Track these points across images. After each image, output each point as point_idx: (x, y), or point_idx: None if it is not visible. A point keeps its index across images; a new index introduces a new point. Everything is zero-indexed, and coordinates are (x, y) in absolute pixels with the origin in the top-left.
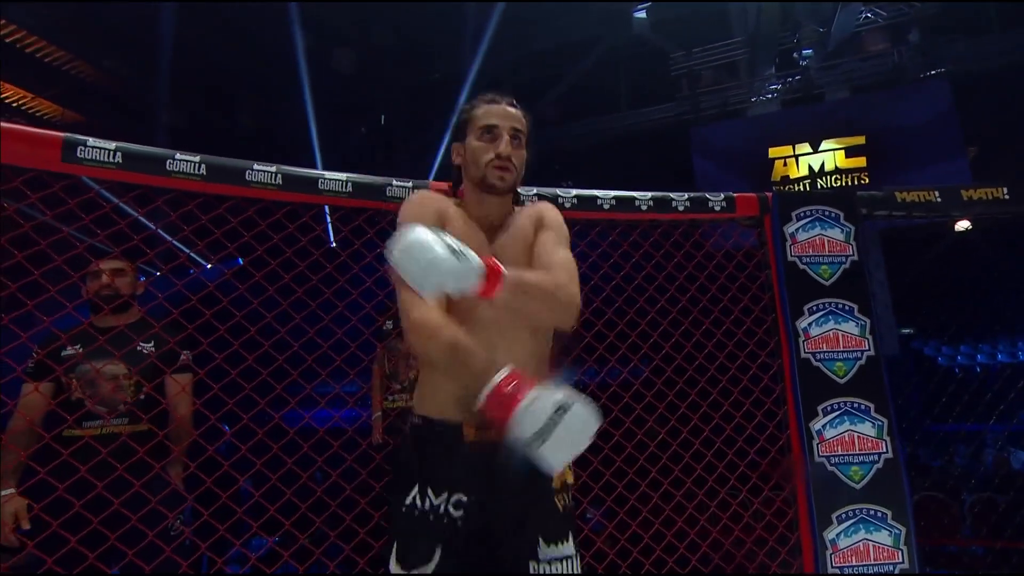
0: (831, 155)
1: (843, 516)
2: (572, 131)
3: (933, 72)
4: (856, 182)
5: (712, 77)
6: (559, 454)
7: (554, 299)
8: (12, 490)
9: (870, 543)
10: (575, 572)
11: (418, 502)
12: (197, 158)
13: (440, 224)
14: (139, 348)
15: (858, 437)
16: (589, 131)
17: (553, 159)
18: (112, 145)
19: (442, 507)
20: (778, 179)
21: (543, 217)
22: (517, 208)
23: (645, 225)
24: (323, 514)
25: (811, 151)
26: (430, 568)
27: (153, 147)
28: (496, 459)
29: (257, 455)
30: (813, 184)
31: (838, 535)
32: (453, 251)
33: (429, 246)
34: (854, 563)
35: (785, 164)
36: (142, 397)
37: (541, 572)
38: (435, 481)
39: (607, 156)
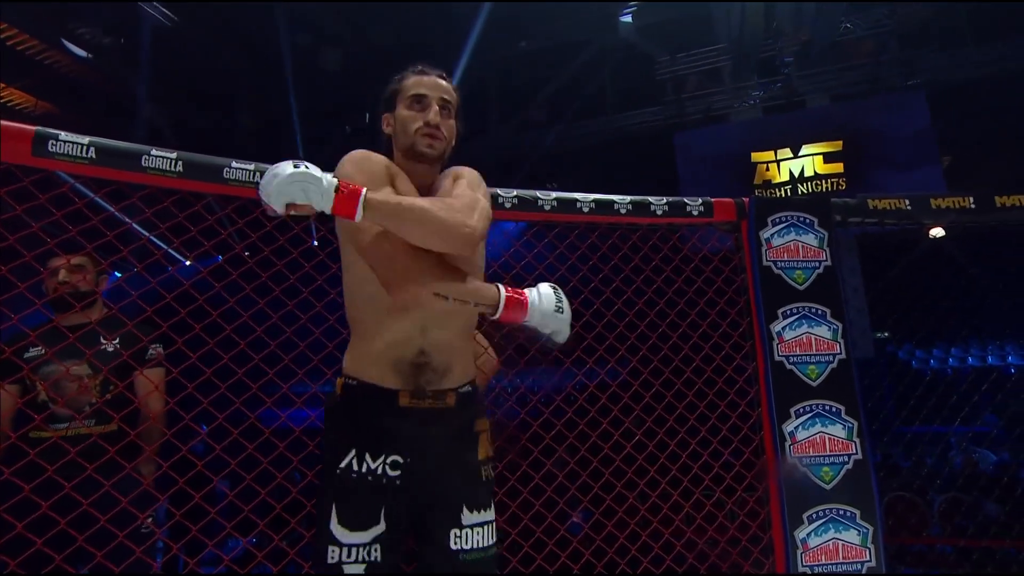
0: (810, 160)
1: (814, 516)
2: (558, 134)
3: (910, 82)
4: (834, 188)
5: (697, 82)
6: (564, 328)
7: (438, 222)
8: None
9: (839, 542)
10: (492, 536)
11: (355, 465)
12: (174, 155)
13: (391, 179)
14: (102, 346)
15: (829, 439)
16: (575, 134)
17: (539, 161)
18: (85, 140)
19: (379, 469)
20: (760, 183)
21: (459, 172)
22: (445, 175)
23: (624, 228)
24: (299, 515)
25: (792, 156)
26: (379, 529)
27: (129, 142)
28: (431, 425)
29: (233, 455)
30: (794, 189)
31: (809, 534)
32: (303, 169)
33: (283, 167)
34: (824, 562)
35: (768, 169)
36: (109, 397)
37: (462, 538)
38: (371, 445)
39: (593, 159)
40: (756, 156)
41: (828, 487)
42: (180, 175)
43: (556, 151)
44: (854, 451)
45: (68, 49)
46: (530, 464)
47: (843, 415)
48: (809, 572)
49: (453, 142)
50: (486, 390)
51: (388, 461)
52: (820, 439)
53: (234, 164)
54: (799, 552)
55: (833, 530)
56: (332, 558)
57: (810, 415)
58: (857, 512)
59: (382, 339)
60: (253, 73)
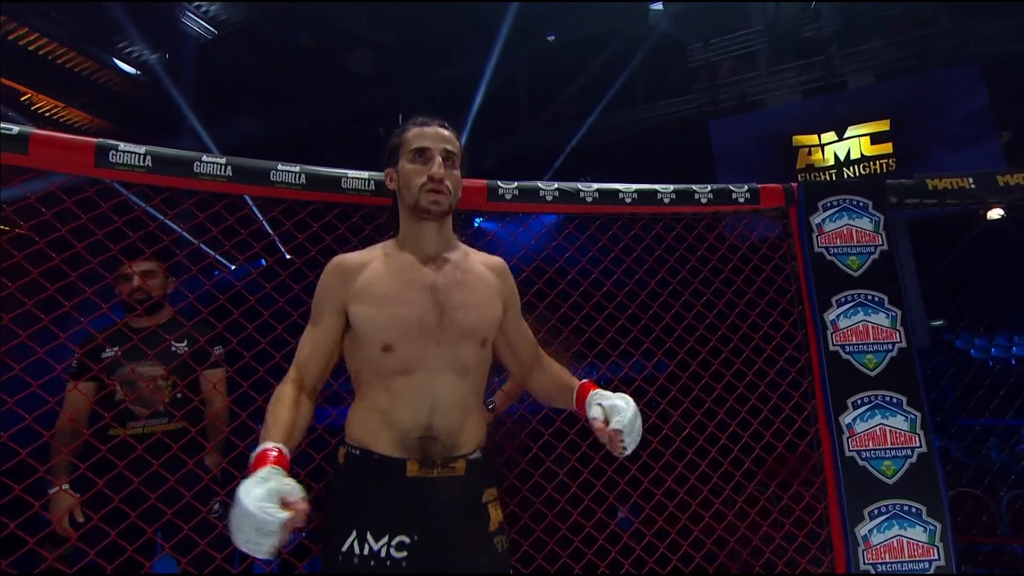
0: (856, 142)
1: (875, 512)
2: (590, 127)
3: (963, 55)
4: (883, 169)
5: (731, 68)
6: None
7: None
8: (62, 487)
9: (904, 539)
10: None
11: (356, 548)
12: (223, 160)
13: (343, 305)
14: (172, 348)
15: (890, 431)
16: (607, 126)
17: (571, 155)
18: (142, 149)
19: (383, 551)
20: (803, 167)
21: (510, 283)
22: (461, 243)
23: (668, 218)
24: None
25: (837, 139)
26: None
27: (180, 150)
28: (440, 497)
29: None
30: (840, 173)
31: (871, 531)
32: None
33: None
34: (888, 560)
35: (810, 153)
36: (179, 396)
37: None
38: (375, 523)
39: (625, 151)
40: (798, 140)
41: (891, 482)
42: (229, 179)
43: (588, 144)
44: (918, 444)
45: (118, 67)
46: (579, 459)
47: (905, 406)
48: (872, 571)
49: (459, 195)
50: (506, 412)
51: (393, 543)
52: (880, 431)
53: (280, 167)
54: (860, 549)
55: (897, 527)
56: None
57: (869, 406)
58: (923, 508)
59: (386, 413)
60: (287, 78)
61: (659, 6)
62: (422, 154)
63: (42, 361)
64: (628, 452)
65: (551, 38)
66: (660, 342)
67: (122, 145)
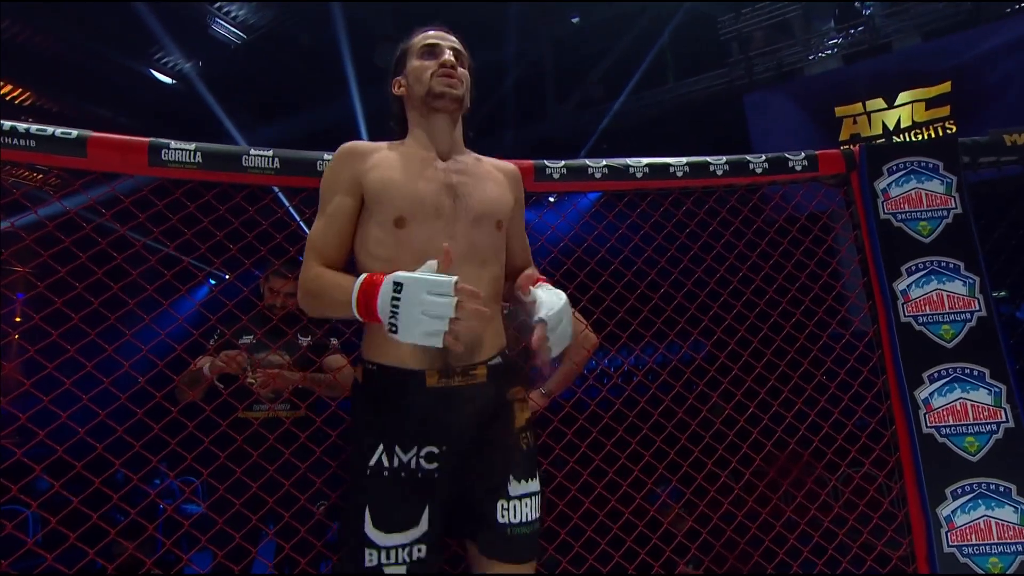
0: (908, 108)
1: (959, 491)
2: (619, 108)
3: (1020, 6)
4: (939, 134)
5: (764, 38)
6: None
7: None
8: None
9: (992, 520)
10: (537, 510)
11: (384, 461)
12: (270, 152)
13: (357, 180)
14: (297, 341)
15: (972, 405)
16: (637, 107)
17: (601, 138)
18: (192, 146)
19: (413, 462)
20: (848, 138)
21: (521, 189)
22: (470, 151)
23: (721, 191)
24: None
25: (886, 107)
26: (420, 530)
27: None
28: (463, 405)
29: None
30: (889, 141)
31: (954, 511)
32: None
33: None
34: (975, 542)
35: (855, 122)
36: (301, 386)
37: (510, 511)
38: (400, 436)
39: (657, 131)
40: (840, 110)
41: (974, 459)
42: (277, 171)
43: (618, 126)
44: (1004, 419)
45: (155, 78)
46: (616, 444)
47: (987, 379)
48: (957, 553)
49: (470, 94)
50: (585, 368)
51: (422, 454)
52: (961, 406)
53: (327, 156)
54: (943, 531)
55: (984, 507)
56: (370, 561)
57: (947, 380)
58: (1013, 487)
59: None
60: (316, 74)
61: None
62: (432, 50)
63: (105, 363)
64: (553, 354)
65: (575, 20)
66: (719, 320)
67: (173, 143)
